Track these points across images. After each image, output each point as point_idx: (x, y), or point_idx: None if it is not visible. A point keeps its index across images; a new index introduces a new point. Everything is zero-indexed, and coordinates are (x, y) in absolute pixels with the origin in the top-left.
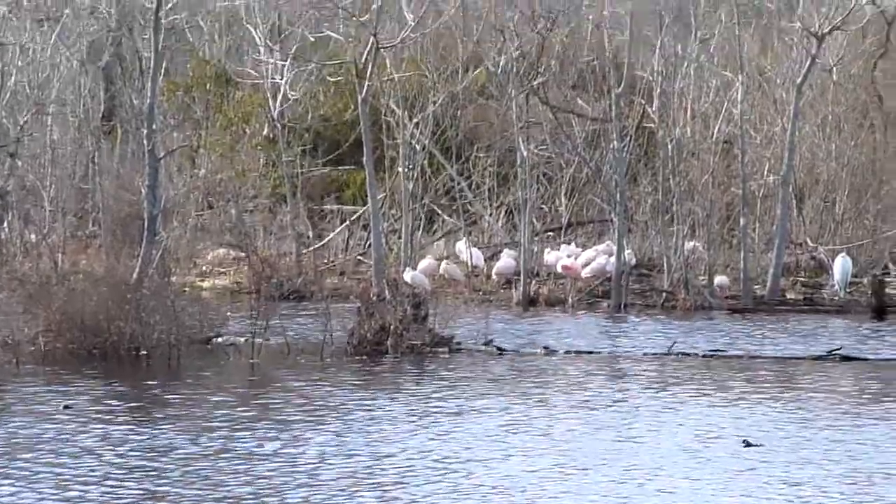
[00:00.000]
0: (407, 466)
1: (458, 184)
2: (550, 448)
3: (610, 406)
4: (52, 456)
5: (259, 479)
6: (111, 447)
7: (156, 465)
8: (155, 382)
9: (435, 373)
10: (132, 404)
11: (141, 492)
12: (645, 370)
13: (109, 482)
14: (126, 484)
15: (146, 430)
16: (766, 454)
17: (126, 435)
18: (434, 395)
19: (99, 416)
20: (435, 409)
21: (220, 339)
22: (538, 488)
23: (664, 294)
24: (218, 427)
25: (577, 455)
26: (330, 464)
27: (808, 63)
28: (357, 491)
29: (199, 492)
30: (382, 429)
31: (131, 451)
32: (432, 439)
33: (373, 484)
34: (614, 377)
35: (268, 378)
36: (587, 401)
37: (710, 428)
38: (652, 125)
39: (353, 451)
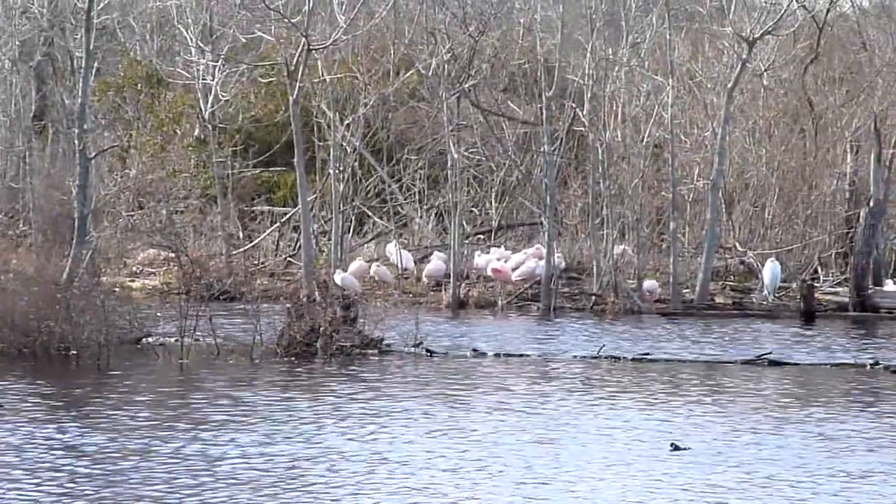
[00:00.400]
0: (328, 467)
1: (389, 186)
2: (472, 450)
3: (536, 409)
4: None
5: (178, 479)
6: (34, 446)
7: (76, 465)
8: (83, 382)
9: (363, 375)
10: (57, 404)
11: (60, 491)
12: (573, 373)
13: (31, 481)
14: (45, 485)
15: (71, 429)
16: (692, 457)
17: (51, 434)
18: (360, 397)
19: (25, 415)
20: (360, 411)
21: (149, 340)
22: (457, 490)
23: (593, 297)
24: (141, 427)
25: (499, 457)
26: (251, 464)
27: (738, 68)
28: (277, 492)
29: (118, 491)
30: (306, 430)
31: (51, 450)
32: (355, 440)
33: (294, 485)
34: (542, 380)
35: (195, 378)
36: (514, 403)
37: (638, 431)
38: (583, 129)
39: (275, 452)
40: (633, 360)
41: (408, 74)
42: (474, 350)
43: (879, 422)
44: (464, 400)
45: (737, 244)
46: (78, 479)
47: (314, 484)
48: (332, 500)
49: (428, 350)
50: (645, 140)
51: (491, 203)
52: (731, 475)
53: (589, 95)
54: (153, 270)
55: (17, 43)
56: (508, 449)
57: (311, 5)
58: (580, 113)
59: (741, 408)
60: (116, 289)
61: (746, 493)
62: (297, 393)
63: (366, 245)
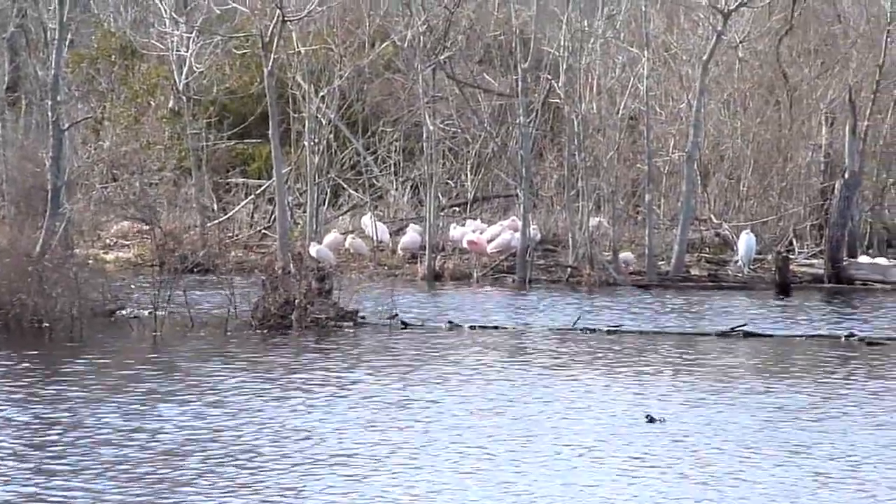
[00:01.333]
0: (253, 440)
1: (364, 158)
2: (441, 423)
3: (511, 380)
4: None
5: (99, 450)
6: None
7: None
8: (51, 355)
9: (337, 347)
10: (26, 378)
11: None
12: (548, 345)
13: None
14: None
15: (13, 401)
16: (666, 429)
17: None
18: (331, 369)
19: None
20: (314, 382)
21: (123, 312)
22: (416, 472)
23: (569, 270)
24: (86, 399)
25: (470, 432)
26: (179, 436)
27: (714, 40)
28: (200, 465)
29: (33, 465)
30: (251, 403)
31: None
32: (313, 412)
33: (216, 456)
34: (517, 352)
35: (164, 351)
36: (487, 376)
37: (613, 403)
38: (558, 101)
39: (208, 424)
40: (608, 331)
41: (383, 46)
42: (449, 322)
43: (845, 391)
44: (437, 372)
45: (712, 216)
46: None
47: (239, 457)
48: (249, 473)
49: (403, 322)
50: (620, 112)
51: (466, 175)
52: (709, 445)
53: (564, 67)
54: (127, 243)
55: None
56: (481, 422)
57: None
58: (556, 85)
59: (719, 379)
60: (90, 261)
61: (721, 464)
62: (255, 365)
63: (341, 217)
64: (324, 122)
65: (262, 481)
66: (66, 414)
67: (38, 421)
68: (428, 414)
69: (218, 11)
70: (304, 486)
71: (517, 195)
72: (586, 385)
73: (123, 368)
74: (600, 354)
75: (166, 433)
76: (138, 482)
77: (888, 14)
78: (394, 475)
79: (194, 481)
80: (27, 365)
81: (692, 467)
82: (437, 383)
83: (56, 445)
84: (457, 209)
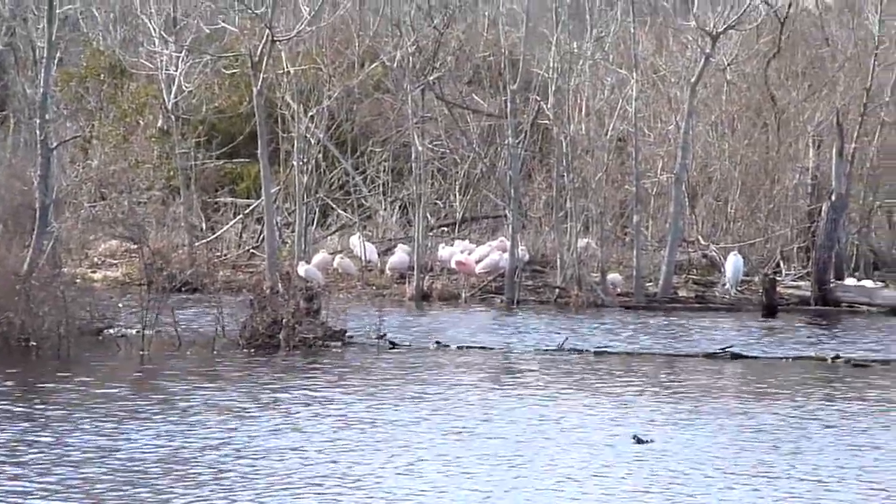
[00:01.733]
0: (218, 458)
1: (353, 178)
2: (423, 444)
3: (497, 401)
4: None
5: (58, 469)
6: None
7: None
8: (34, 373)
9: (324, 367)
10: (8, 396)
11: None
12: (536, 366)
13: None
14: None
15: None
16: (654, 450)
17: None
18: (317, 388)
19: None
20: (307, 402)
21: (111, 331)
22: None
23: (557, 290)
24: (56, 418)
25: (455, 452)
26: (141, 456)
27: (702, 62)
28: (158, 483)
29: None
30: (223, 422)
31: None
32: (293, 432)
33: (214, 479)
34: (504, 373)
35: (147, 370)
36: (474, 396)
37: (600, 423)
38: (547, 122)
39: (171, 444)
40: (595, 352)
41: (372, 66)
42: (437, 342)
43: (827, 412)
44: (417, 392)
45: (700, 238)
46: None
47: (202, 475)
48: (209, 492)
49: (391, 342)
50: (609, 133)
51: (455, 195)
52: (695, 467)
53: (553, 88)
54: (115, 261)
55: None
56: (470, 438)
57: None
58: (544, 106)
59: (706, 400)
60: (77, 280)
61: (708, 485)
62: (238, 384)
63: (329, 237)
64: (313, 142)
65: (234, 502)
66: (45, 433)
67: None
68: (409, 434)
69: (207, 31)
70: None
71: (506, 216)
72: (571, 406)
73: (107, 387)
74: (587, 375)
75: (141, 452)
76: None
77: (875, 37)
78: (370, 497)
79: (170, 500)
80: (11, 383)
81: (670, 489)
82: (423, 403)
83: (24, 465)
84: (445, 229)
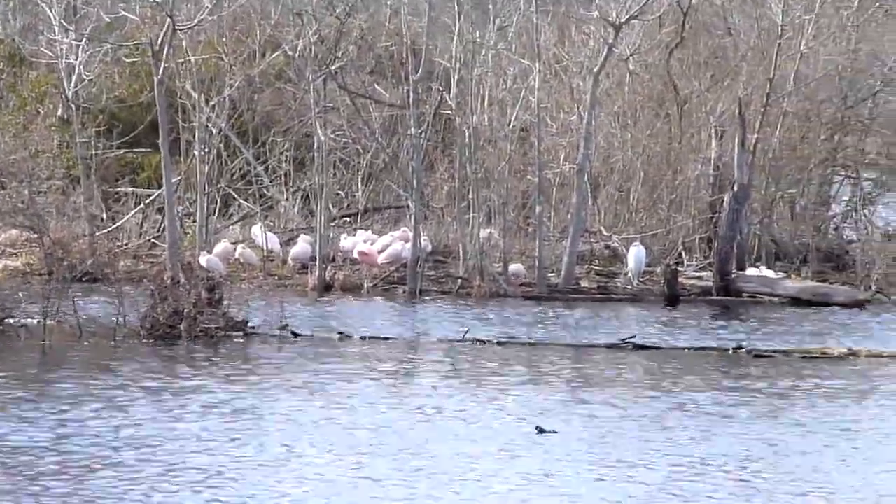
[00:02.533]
0: (66, 450)
1: (255, 168)
2: (317, 435)
3: (399, 392)
4: None
5: None
6: None
7: None
8: None
9: (224, 357)
10: None
11: None
12: (438, 356)
13: None
14: None
15: None
16: (556, 440)
17: None
18: (215, 377)
19: None
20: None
21: (11, 321)
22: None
23: (459, 281)
24: None
25: (355, 443)
26: (25, 448)
27: (605, 52)
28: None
29: None
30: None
31: None
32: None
33: (78, 471)
34: (407, 363)
35: (43, 362)
36: (376, 386)
37: (503, 413)
38: (449, 112)
39: (88, 435)
40: (498, 343)
41: (274, 56)
42: (340, 333)
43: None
44: (322, 383)
45: (602, 228)
46: None
47: (76, 470)
48: (76, 486)
49: (293, 332)
50: (511, 124)
51: (357, 186)
52: (596, 456)
53: (456, 79)
54: (15, 251)
55: None
56: (367, 434)
57: None
58: (447, 96)
59: (609, 390)
60: None
61: (608, 475)
62: (132, 374)
63: (231, 227)
64: (214, 132)
65: (100, 497)
66: None
67: None
68: (302, 427)
69: (108, 19)
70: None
71: (408, 206)
72: (475, 396)
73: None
74: (490, 365)
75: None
76: None
77: (779, 27)
78: (255, 486)
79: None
80: None
81: (577, 478)
82: (320, 394)
83: None
84: (348, 220)
